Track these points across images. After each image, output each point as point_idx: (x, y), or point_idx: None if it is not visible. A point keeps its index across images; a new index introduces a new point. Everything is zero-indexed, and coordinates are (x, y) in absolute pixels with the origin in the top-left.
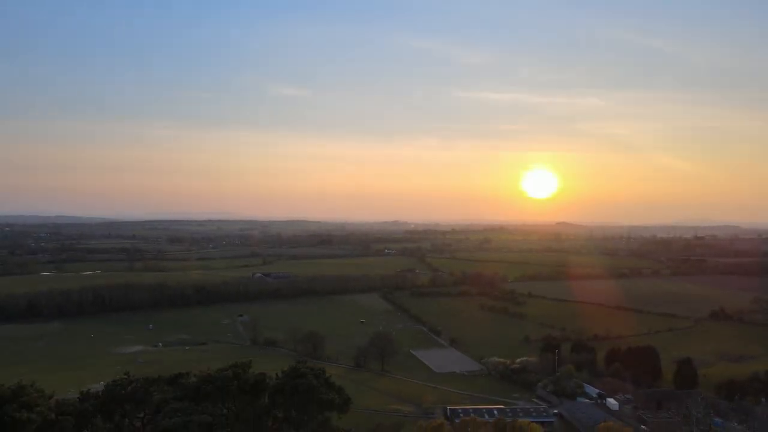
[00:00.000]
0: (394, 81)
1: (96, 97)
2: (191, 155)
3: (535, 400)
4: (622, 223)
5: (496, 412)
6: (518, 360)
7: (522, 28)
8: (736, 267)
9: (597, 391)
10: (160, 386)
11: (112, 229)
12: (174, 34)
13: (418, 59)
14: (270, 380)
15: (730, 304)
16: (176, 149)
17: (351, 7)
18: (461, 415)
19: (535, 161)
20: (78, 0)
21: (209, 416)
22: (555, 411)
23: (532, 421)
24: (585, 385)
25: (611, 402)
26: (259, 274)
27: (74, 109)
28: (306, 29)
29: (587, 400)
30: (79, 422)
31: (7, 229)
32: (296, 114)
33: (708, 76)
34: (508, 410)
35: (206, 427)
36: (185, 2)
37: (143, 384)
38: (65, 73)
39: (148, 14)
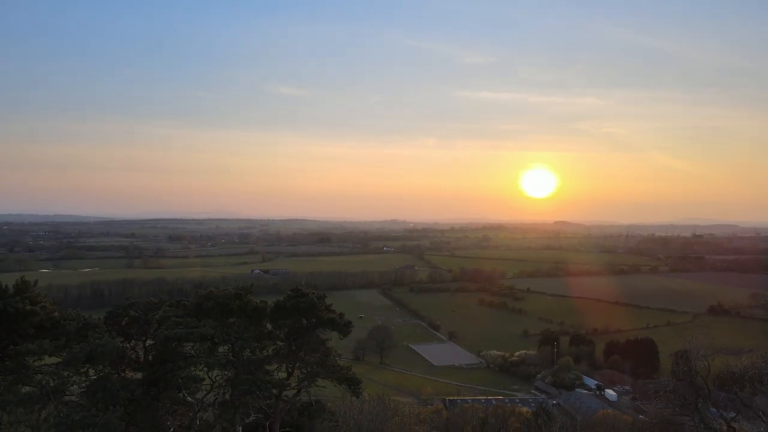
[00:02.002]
0: (392, 80)
1: (94, 96)
2: (190, 154)
3: (533, 391)
4: (620, 222)
5: (494, 402)
6: (517, 353)
7: (521, 28)
8: (735, 264)
9: (595, 382)
10: (161, 308)
11: (110, 227)
12: (173, 33)
13: (417, 59)
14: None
15: (729, 299)
16: (175, 148)
17: (350, 6)
18: (460, 405)
19: (534, 160)
20: None
21: (211, 329)
22: (554, 402)
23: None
24: (584, 377)
25: (610, 393)
26: (257, 271)
27: (72, 108)
28: (305, 29)
29: (586, 392)
30: (80, 331)
31: (5, 227)
32: (295, 113)
33: (707, 76)
34: (506, 401)
35: (208, 339)
36: (184, 1)
37: (145, 307)
38: (63, 71)
39: (147, 13)
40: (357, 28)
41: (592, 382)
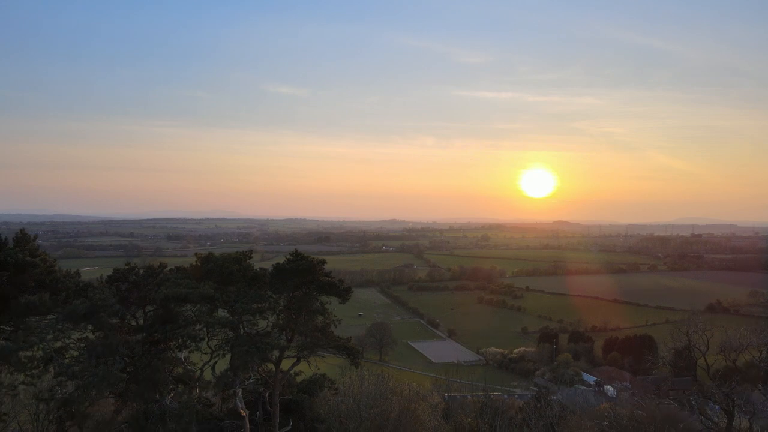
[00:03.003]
0: (391, 80)
1: (94, 96)
2: (189, 154)
3: (533, 387)
4: (619, 222)
5: (492, 396)
6: (516, 350)
7: (519, 28)
8: (733, 263)
9: (594, 378)
10: (162, 272)
11: (109, 227)
12: (173, 32)
13: (416, 58)
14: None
15: (728, 297)
16: (174, 148)
17: (349, 6)
18: (459, 400)
19: (533, 160)
20: None
21: (211, 290)
22: (553, 398)
23: None
24: (582, 373)
25: (609, 389)
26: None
27: (71, 108)
28: (303, 28)
29: (585, 388)
30: (80, 289)
31: (4, 227)
32: (294, 113)
33: (706, 76)
34: (505, 396)
35: (208, 299)
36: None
37: (146, 272)
38: (63, 71)
39: (146, 13)
40: (356, 27)
41: (591, 379)
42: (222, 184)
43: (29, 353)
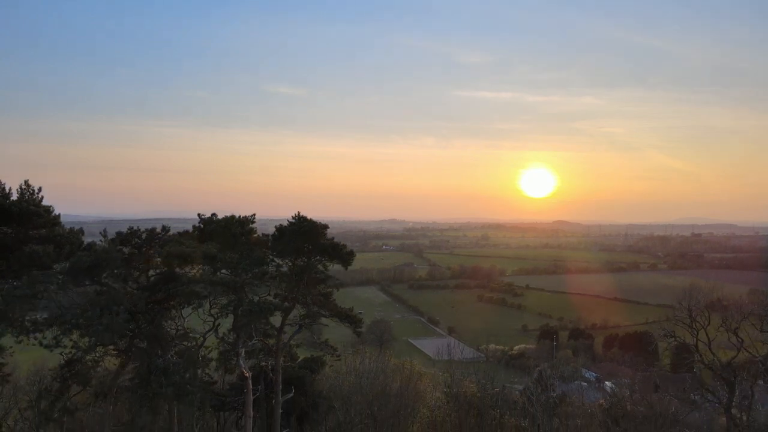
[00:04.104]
0: (391, 80)
1: (93, 96)
2: (189, 154)
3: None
4: (619, 222)
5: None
6: (516, 347)
7: (519, 28)
8: (733, 262)
9: (594, 375)
10: (165, 234)
11: (110, 227)
12: (173, 32)
13: (416, 58)
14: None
15: (727, 296)
16: (174, 148)
17: (348, 6)
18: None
19: (533, 160)
20: None
21: (215, 249)
22: (553, 393)
23: None
24: (583, 369)
25: (608, 385)
26: None
27: (71, 108)
28: (303, 28)
29: (585, 384)
30: (83, 248)
31: None
32: (294, 113)
33: (705, 76)
34: (505, 391)
35: (211, 259)
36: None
37: (149, 234)
38: (62, 71)
39: (146, 13)
40: (356, 27)
41: (591, 375)
42: (222, 184)
43: (33, 316)
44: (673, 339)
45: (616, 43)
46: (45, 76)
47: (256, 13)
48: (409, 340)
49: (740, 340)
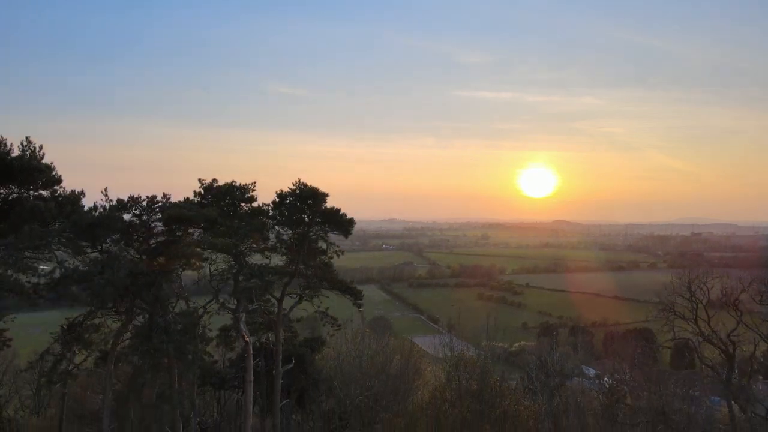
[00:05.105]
0: (391, 80)
1: (93, 96)
2: (188, 154)
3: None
4: (619, 222)
5: None
6: (516, 344)
7: (519, 28)
8: (733, 261)
9: (594, 371)
10: (167, 201)
11: None
12: (173, 32)
13: (416, 58)
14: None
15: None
16: (174, 148)
17: (348, 5)
18: None
19: (533, 160)
20: None
21: (215, 213)
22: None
23: None
24: (582, 366)
25: (608, 381)
26: None
27: (71, 108)
28: (303, 28)
29: (585, 380)
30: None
31: None
32: (293, 112)
33: (705, 76)
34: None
35: (212, 222)
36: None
37: (149, 202)
38: (61, 71)
39: (146, 13)
40: (355, 27)
41: (591, 371)
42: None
43: (33, 279)
44: (672, 314)
45: (616, 43)
46: (45, 76)
47: (256, 13)
48: (409, 337)
49: (739, 312)
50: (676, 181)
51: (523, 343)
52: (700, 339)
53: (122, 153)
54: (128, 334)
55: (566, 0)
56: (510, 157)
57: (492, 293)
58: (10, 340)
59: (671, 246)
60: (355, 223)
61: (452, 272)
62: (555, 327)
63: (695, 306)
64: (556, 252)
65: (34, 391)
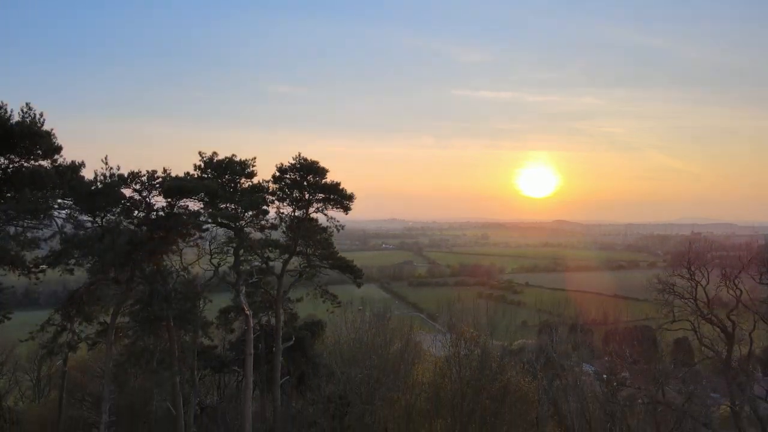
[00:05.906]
0: (391, 79)
1: (93, 96)
2: (188, 153)
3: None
4: (619, 221)
5: None
6: (516, 342)
7: (519, 27)
8: (733, 260)
9: (594, 369)
10: (167, 176)
11: None
12: (173, 32)
13: (416, 58)
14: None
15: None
16: (173, 147)
17: (348, 5)
18: None
19: (533, 160)
20: None
21: (216, 185)
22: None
23: None
24: (582, 363)
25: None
26: None
27: (71, 108)
28: (303, 28)
29: (585, 378)
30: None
31: None
32: (293, 112)
33: (705, 75)
34: None
35: (212, 193)
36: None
37: (149, 177)
38: (60, 71)
39: (146, 13)
40: (355, 27)
41: (590, 368)
42: None
43: (33, 253)
44: (671, 296)
45: (616, 43)
46: (44, 76)
47: (256, 13)
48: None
49: (739, 291)
50: (677, 181)
51: (522, 341)
52: (700, 319)
53: (122, 152)
54: (129, 302)
55: (566, 0)
56: (510, 157)
57: (492, 292)
58: (10, 312)
59: (671, 245)
60: (355, 198)
61: (452, 271)
62: (555, 325)
63: (694, 287)
64: (556, 251)
65: (34, 382)
